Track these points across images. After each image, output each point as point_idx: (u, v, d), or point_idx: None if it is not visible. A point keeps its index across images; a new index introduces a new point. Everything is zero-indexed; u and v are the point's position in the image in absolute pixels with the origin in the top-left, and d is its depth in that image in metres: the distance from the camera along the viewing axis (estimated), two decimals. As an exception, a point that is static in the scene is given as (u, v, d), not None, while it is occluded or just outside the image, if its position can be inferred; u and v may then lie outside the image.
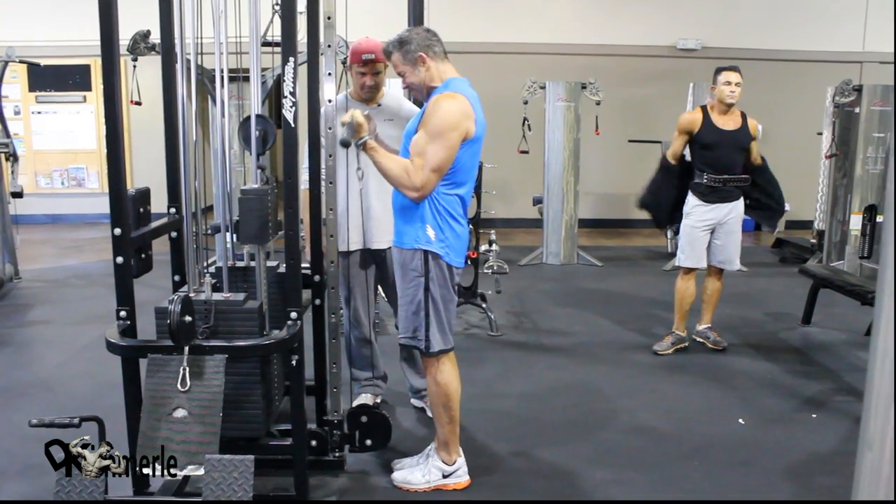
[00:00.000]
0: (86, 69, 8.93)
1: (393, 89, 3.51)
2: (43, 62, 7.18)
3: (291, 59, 2.45)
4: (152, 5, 2.72)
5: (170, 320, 2.30)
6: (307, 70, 2.84)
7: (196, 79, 2.68)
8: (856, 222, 6.35)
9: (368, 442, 2.88)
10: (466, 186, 2.70)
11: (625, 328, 4.98)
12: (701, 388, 3.93)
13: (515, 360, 4.36)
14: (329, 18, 2.69)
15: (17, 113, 8.90)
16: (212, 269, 2.83)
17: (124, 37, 2.59)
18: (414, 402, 3.57)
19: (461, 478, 2.84)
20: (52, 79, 8.84)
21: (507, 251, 6.29)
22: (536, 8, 8.94)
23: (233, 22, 2.66)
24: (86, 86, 9.00)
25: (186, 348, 2.38)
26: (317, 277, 2.87)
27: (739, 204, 4.33)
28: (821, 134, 7.08)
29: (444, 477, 2.82)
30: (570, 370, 4.18)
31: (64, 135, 9.08)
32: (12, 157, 5.96)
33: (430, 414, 3.23)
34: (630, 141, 8.64)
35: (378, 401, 3.53)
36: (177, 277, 2.90)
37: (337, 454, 2.89)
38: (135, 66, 5.42)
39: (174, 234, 2.88)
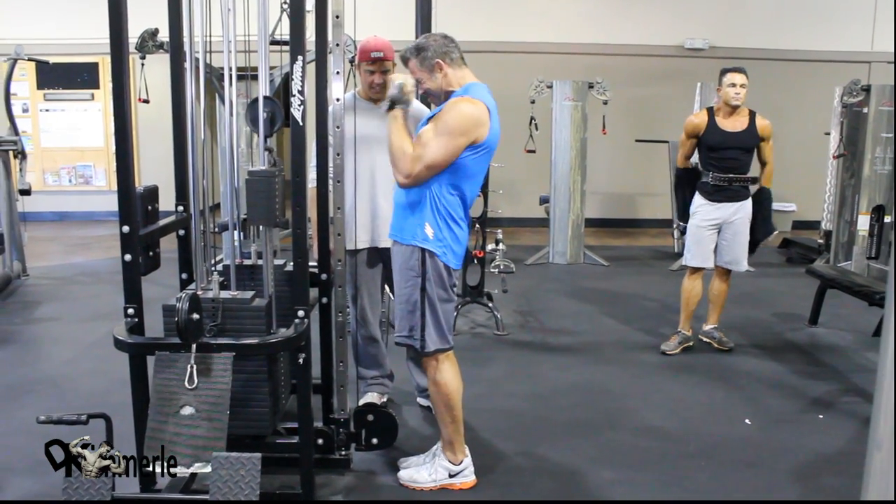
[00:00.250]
0: (94, 67, 8.97)
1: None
2: (51, 60, 7.22)
3: (300, 57, 2.45)
4: (161, 3, 2.73)
5: (177, 318, 2.31)
6: (315, 69, 2.85)
7: (204, 77, 2.69)
8: (863, 223, 6.33)
9: (375, 440, 2.88)
10: (470, 190, 2.71)
11: (631, 328, 4.97)
12: (707, 388, 3.93)
13: (522, 359, 4.36)
14: (337, 17, 2.69)
15: (25, 110, 8.94)
16: (219, 267, 2.85)
17: (133, 35, 2.59)
18: (420, 401, 3.57)
19: (467, 478, 2.83)
20: (60, 76, 8.88)
21: (513, 250, 6.28)
22: (544, 7, 8.94)
23: (241, 20, 2.67)
24: (94, 84, 9.05)
25: (194, 346, 2.39)
26: (324, 276, 2.88)
27: (747, 204, 4.29)
28: (829, 134, 7.05)
29: (451, 476, 2.82)
30: (577, 370, 4.18)
31: (72, 132, 9.13)
32: (20, 154, 6.00)
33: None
34: (637, 140, 8.65)
35: (384, 399, 3.53)
36: (184, 275, 2.91)
37: (343, 452, 2.90)
38: (143, 65, 5.44)
39: (182, 231, 2.88)
